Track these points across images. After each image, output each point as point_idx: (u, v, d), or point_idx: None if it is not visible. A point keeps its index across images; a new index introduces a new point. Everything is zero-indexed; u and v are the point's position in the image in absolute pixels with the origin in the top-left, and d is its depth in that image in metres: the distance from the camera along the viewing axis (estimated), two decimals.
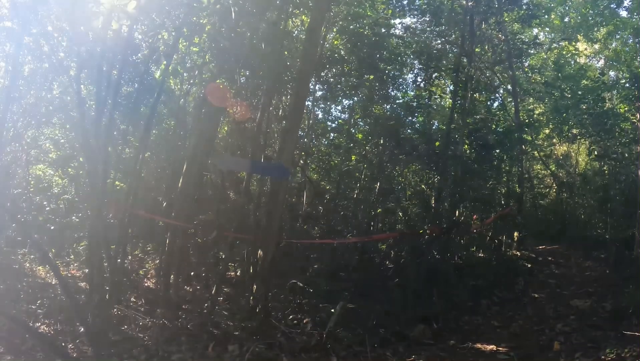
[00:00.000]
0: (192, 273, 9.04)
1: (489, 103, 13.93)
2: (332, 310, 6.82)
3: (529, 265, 11.18)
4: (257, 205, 9.45)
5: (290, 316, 7.03)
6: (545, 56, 16.97)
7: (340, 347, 6.06)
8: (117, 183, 9.82)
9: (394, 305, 7.56)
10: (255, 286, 7.10)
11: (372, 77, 11.06)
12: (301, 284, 7.92)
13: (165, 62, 8.27)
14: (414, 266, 8.25)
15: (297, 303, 7.78)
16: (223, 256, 8.23)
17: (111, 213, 7.76)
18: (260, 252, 7.23)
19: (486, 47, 13.18)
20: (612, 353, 5.39)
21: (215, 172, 10.13)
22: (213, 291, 7.00)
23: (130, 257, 9.11)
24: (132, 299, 7.62)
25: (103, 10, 5.93)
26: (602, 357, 5.42)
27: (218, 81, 8.74)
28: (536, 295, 9.04)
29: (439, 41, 12.84)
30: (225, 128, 12.21)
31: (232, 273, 9.15)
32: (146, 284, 8.61)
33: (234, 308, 7.35)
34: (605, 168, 13.38)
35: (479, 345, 6.50)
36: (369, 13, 11.94)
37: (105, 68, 6.30)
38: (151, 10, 7.38)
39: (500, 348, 6.30)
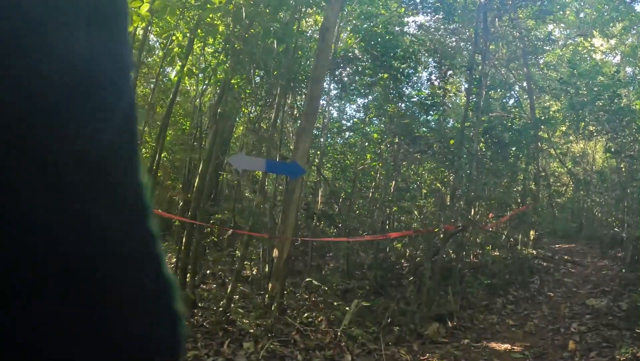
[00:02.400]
0: (208, 272, 9.13)
1: (504, 101, 13.89)
2: (347, 308, 6.87)
3: (545, 264, 11.13)
4: (272, 204, 9.53)
5: (305, 314, 7.08)
6: (560, 53, 16.86)
7: (354, 345, 6.09)
8: None
9: (409, 303, 7.58)
10: (270, 284, 7.16)
11: (386, 75, 11.05)
12: (316, 283, 7.96)
13: (180, 64, 8.35)
14: (428, 265, 8.25)
15: (312, 301, 7.82)
16: (239, 255, 8.29)
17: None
18: (275, 250, 7.29)
19: (500, 44, 13.14)
20: (627, 353, 5.38)
21: (231, 171, 10.22)
22: (229, 289, 7.06)
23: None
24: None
25: None
26: (618, 357, 5.41)
27: (233, 81, 8.81)
28: (552, 294, 9.01)
29: (453, 39, 12.83)
30: (241, 128, 12.30)
31: (248, 272, 9.22)
32: None
33: (250, 305, 7.40)
34: (622, 165, 13.27)
35: (493, 344, 6.50)
36: (382, 12, 11.95)
37: None
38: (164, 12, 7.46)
39: (514, 347, 6.30)
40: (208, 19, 8.15)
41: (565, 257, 12.00)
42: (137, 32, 9.12)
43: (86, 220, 0.34)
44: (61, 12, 0.33)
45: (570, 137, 17.02)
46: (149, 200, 0.39)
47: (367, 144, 12.24)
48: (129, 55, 0.39)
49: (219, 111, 8.52)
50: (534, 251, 11.84)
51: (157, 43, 11.56)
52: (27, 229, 0.31)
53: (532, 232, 12.55)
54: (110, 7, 0.37)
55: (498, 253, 10.79)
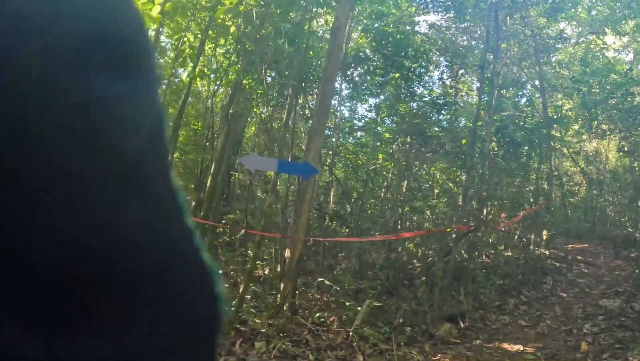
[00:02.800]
0: (220, 271, 9.14)
1: (516, 99, 13.83)
2: (359, 308, 6.88)
3: (558, 264, 11.07)
4: (284, 204, 9.55)
5: (317, 314, 7.09)
6: (572, 51, 16.75)
7: (366, 345, 6.10)
8: None
9: (421, 304, 7.57)
10: (282, 284, 7.19)
11: (397, 75, 11.04)
12: (328, 283, 7.97)
13: (191, 65, 8.40)
14: (441, 265, 8.24)
15: (324, 301, 7.84)
16: (251, 255, 8.32)
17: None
18: (287, 250, 7.31)
19: (512, 43, 13.08)
20: None
21: (243, 171, 10.25)
22: (241, 289, 7.09)
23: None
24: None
25: None
26: (630, 358, 5.38)
27: (244, 81, 8.85)
28: (564, 295, 8.96)
29: (464, 38, 12.80)
30: (253, 128, 12.34)
31: (260, 271, 9.24)
32: None
33: (262, 305, 7.43)
34: (635, 165, 13.17)
35: (505, 345, 6.49)
36: (393, 11, 11.94)
37: None
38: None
39: (527, 348, 6.28)
40: (219, 20, 8.19)
41: (578, 257, 11.93)
42: (148, 34, 9.17)
43: (133, 227, 0.37)
44: (79, 56, 0.35)
45: (583, 136, 16.90)
46: (183, 200, 0.43)
47: (378, 143, 12.24)
48: (154, 94, 0.41)
49: (230, 111, 8.57)
50: (546, 251, 11.78)
51: (169, 44, 11.63)
52: (75, 243, 0.34)
53: (544, 232, 12.49)
54: (128, 47, 0.38)
55: (510, 253, 10.75)
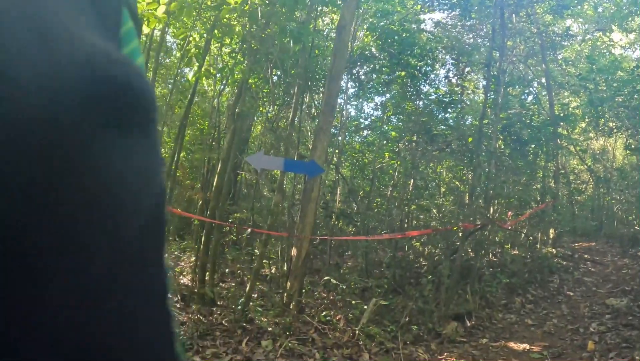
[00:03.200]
0: (227, 270, 9.20)
1: (522, 97, 13.78)
2: (365, 307, 6.89)
3: (564, 263, 11.04)
4: (291, 203, 9.56)
5: (324, 313, 7.10)
6: (579, 48, 16.68)
7: (372, 344, 6.11)
8: None
9: (427, 302, 7.58)
10: (289, 283, 7.20)
11: (403, 73, 11.03)
12: (335, 281, 7.99)
13: (197, 64, 8.42)
14: (447, 263, 8.23)
15: (331, 299, 7.85)
16: (257, 253, 8.34)
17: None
18: (294, 249, 7.33)
19: (518, 40, 13.03)
20: None
21: (249, 170, 10.28)
22: (247, 288, 7.12)
23: (166, 255, 9.30)
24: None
25: None
26: (637, 358, 5.36)
27: (250, 80, 8.86)
28: (571, 293, 8.94)
29: (470, 35, 12.75)
30: (259, 127, 12.35)
31: (267, 270, 9.27)
32: (182, 281, 8.79)
33: (268, 304, 7.45)
34: None
35: (512, 344, 6.48)
36: (398, 9, 11.93)
37: None
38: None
39: (533, 347, 6.27)
40: (224, 20, 8.20)
41: (585, 256, 11.90)
42: (154, 34, 9.21)
43: (119, 311, 0.33)
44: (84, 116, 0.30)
45: (590, 134, 16.84)
46: (169, 283, 0.39)
47: (385, 142, 12.23)
48: (156, 155, 0.36)
49: (236, 110, 8.57)
50: (553, 250, 11.75)
51: (174, 44, 11.67)
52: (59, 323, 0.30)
53: (551, 230, 12.45)
54: (137, 103, 0.34)
55: (517, 252, 10.72)
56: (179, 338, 0.40)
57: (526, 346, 6.33)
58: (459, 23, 12.53)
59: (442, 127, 11.64)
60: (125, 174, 0.32)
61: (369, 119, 14.08)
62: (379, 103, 13.36)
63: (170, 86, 11.60)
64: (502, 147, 11.29)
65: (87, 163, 0.30)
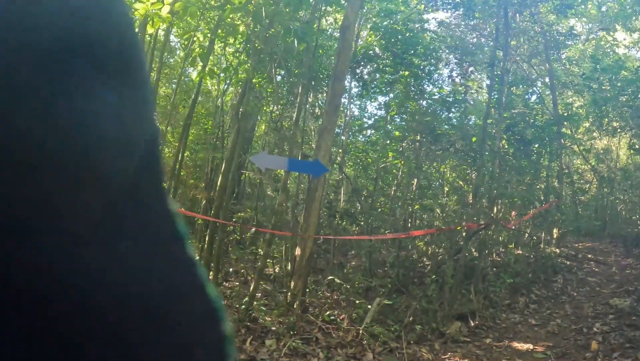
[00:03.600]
0: (230, 270, 9.22)
1: (526, 97, 13.76)
2: (369, 306, 6.89)
3: (568, 262, 11.03)
4: (295, 202, 9.57)
5: (327, 312, 7.11)
6: (582, 47, 16.65)
7: (376, 343, 6.11)
8: None
9: (431, 302, 7.58)
10: (293, 282, 7.21)
11: (407, 73, 11.04)
12: (338, 281, 7.99)
13: (201, 64, 8.43)
14: (451, 263, 8.23)
15: (334, 299, 7.86)
16: (261, 253, 8.36)
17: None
18: (298, 248, 7.34)
19: (522, 40, 13.01)
20: None
21: (253, 170, 10.29)
22: (251, 287, 7.13)
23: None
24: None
25: (137, 15, 6.11)
26: None
27: (254, 80, 8.87)
28: (575, 293, 8.93)
29: (474, 35, 12.75)
30: (263, 127, 12.37)
31: (270, 269, 9.28)
32: None
33: (272, 303, 7.46)
34: None
35: (515, 344, 6.48)
36: (401, 9, 11.93)
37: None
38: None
39: (537, 347, 6.27)
40: (228, 20, 8.21)
41: (589, 256, 11.88)
42: (158, 34, 9.23)
43: (125, 269, 0.33)
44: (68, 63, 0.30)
45: (594, 134, 16.79)
46: (183, 228, 0.38)
47: (388, 141, 12.22)
48: (149, 110, 0.36)
49: (240, 110, 8.59)
50: (557, 250, 11.74)
51: (178, 44, 11.69)
52: (58, 285, 0.30)
53: (555, 230, 12.44)
54: (121, 53, 0.33)
55: (521, 252, 10.72)
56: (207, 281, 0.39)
57: (530, 346, 6.34)
58: (462, 23, 12.53)
59: (446, 126, 11.64)
60: (111, 122, 0.32)
61: (373, 119, 14.10)
62: (382, 103, 13.37)
63: (174, 85, 11.62)
64: (506, 146, 11.29)
65: (63, 107, 0.29)
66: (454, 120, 12.04)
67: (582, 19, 16.67)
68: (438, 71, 12.42)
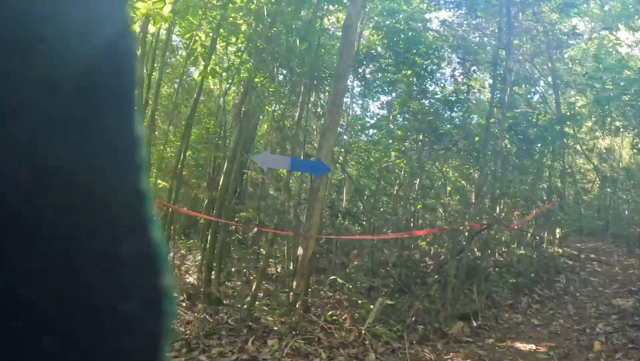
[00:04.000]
0: (232, 269, 9.21)
1: (529, 96, 13.75)
2: (371, 306, 6.88)
3: (571, 262, 11.01)
4: (297, 202, 9.56)
5: (330, 312, 7.11)
6: (585, 47, 16.61)
7: (378, 343, 6.11)
8: (159, 181, 10.06)
9: (433, 302, 7.57)
10: (295, 282, 7.21)
11: (409, 72, 11.02)
12: (341, 280, 7.98)
13: (203, 63, 8.43)
14: (453, 263, 8.22)
15: (337, 299, 7.85)
16: (263, 253, 8.35)
17: (154, 211, 7.97)
18: (300, 248, 7.33)
19: (524, 39, 12.99)
20: None
21: (255, 169, 10.28)
22: (253, 287, 7.12)
23: (172, 253, 9.33)
24: (174, 294, 7.80)
25: (139, 14, 6.11)
26: None
27: (256, 79, 8.87)
28: (577, 293, 8.91)
29: (476, 34, 12.72)
30: (265, 126, 12.36)
31: (273, 269, 9.28)
32: (188, 280, 8.81)
33: (274, 303, 7.46)
34: None
35: (518, 344, 6.46)
36: (404, 8, 11.91)
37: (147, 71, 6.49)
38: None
39: (539, 347, 6.25)
40: (230, 19, 8.21)
41: (592, 255, 11.85)
42: (160, 33, 9.22)
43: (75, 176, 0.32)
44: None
45: (597, 133, 16.76)
46: (143, 154, 0.35)
47: (391, 141, 12.20)
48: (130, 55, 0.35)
49: (242, 109, 8.60)
50: (559, 250, 11.71)
51: (180, 43, 11.68)
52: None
53: (558, 230, 12.41)
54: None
55: (523, 251, 10.69)
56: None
57: (532, 346, 6.32)
58: (465, 22, 12.51)
59: (448, 126, 11.61)
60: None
61: (375, 118, 14.08)
62: (384, 102, 13.35)
63: (176, 85, 11.63)
64: (509, 146, 11.26)
65: None
66: (457, 119, 12.01)
67: (584, 18, 16.62)
68: (440, 70, 12.40)
